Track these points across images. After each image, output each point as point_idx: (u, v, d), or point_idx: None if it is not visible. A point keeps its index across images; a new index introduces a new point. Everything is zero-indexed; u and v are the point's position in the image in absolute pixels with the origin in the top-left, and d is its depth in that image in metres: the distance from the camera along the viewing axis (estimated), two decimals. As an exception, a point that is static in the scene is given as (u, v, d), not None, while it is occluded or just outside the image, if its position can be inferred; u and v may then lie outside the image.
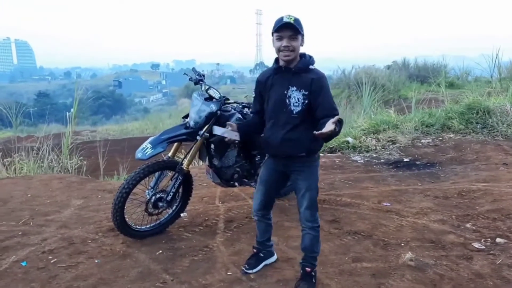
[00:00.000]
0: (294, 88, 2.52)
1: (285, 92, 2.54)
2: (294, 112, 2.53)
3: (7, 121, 9.06)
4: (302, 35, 2.50)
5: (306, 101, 2.51)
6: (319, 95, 2.49)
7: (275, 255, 3.11)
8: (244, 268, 2.95)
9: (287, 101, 2.53)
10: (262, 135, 2.76)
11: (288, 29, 2.44)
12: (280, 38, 2.47)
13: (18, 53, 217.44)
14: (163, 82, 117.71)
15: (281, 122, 2.58)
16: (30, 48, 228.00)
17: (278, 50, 2.51)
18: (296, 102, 2.52)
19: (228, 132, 2.74)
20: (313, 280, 2.76)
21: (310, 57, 2.60)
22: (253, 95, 2.82)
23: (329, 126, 2.22)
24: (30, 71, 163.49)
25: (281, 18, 2.46)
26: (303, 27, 2.48)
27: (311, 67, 2.56)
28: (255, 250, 3.05)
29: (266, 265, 3.02)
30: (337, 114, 2.40)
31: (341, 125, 2.35)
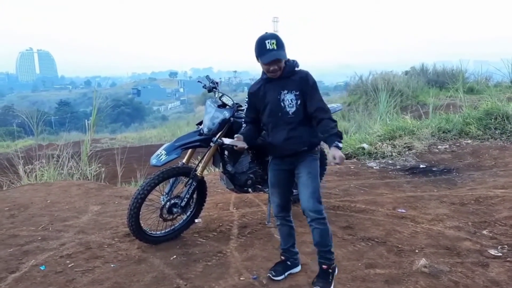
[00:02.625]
0: (286, 91, 2.70)
1: (278, 97, 2.71)
2: (290, 113, 2.71)
3: (29, 129, 9.29)
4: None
5: (299, 101, 2.70)
6: (309, 91, 2.70)
7: (300, 266, 3.09)
8: (270, 275, 2.95)
9: (282, 104, 2.71)
10: (264, 138, 2.96)
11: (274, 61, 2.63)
12: (266, 64, 2.65)
13: (40, 63, 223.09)
14: (181, 90, 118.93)
15: (280, 124, 2.75)
16: (52, 58, 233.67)
17: (267, 71, 2.71)
18: (290, 104, 2.70)
19: (237, 142, 2.87)
20: (330, 278, 2.77)
21: (294, 60, 2.77)
22: (246, 106, 3.01)
23: (336, 154, 2.50)
24: (52, 81, 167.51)
25: (264, 44, 2.59)
26: (284, 46, 2.64)
27: (296, 69, 2.75)
28: (283, 258, 3.05)
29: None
30: (323, 107, 2.68)
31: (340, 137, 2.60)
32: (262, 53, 2.62)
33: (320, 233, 2.75)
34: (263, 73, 2.80)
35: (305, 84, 2.70)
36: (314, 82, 2.73)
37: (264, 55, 2.61)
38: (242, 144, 2.83)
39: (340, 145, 2.56)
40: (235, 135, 2.94)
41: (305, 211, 2.75)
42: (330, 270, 2.79)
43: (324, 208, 2.76)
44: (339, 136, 2.58)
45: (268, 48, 2.59)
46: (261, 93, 2.81)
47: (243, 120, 3.72)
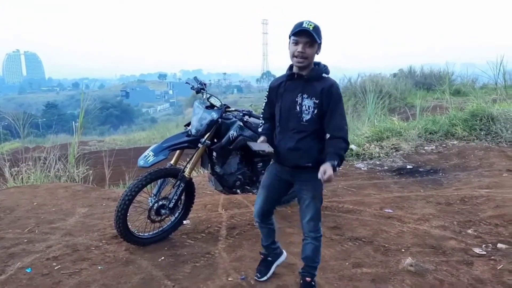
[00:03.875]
0: (306, 96, 2.50)
1: (296, 99, 2.52)
2: (304, 120, 2.51)
3: (15, 132, 9.18)
4: (319, 44, 2.47)
5: (316, 110, 2.49)
6: (330, 105, 2.49)
7: (284, 253, 3.08)
8: (256, 277, 2.95)
9: (298, 108, 2.51)
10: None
11: (305, 35, 2.41)
12: (296, 43, 2.44)
13: (27, 65, 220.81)
14: (170, 92, 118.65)
15: (290, 129, 2.55)
16: (39, 59, 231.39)
17: (293, 55, 2.48)
18: (307, 110, 2.50)
19: (263, 145, 2.60)
20: None
21: (325, 66, 2.58)
22: (265, 101, 2.76)
23: (328, 171, 2.33)
24: (39, 82, 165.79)
25: (301, 23, 2.42)
26: (321, 36, 2.46)
27: (324, 75, 2.53)
28: (262, 256, 3.05)
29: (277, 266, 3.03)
30: (340, 124, 2.48)
31: (340, 159, 2.42)
32: (294, 28, 2.42)
33: (313, 249, 2.72)
34: (288, 68, 2.60)
35: (327, 97, 2.47)
36: (339, 96, 2.51)
37: (296, 29, 2.41)
38: (269, 149, 2.55)
39: (337, 167, 2.39)
40: (261, 138, 2.70)
41: (304, 230, 2.71)
42: (313, 283, 2.79)
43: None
44: (341, 158, 2.43)
45: (303, 26, 2.39)
46: (280, 90, 2.61)
47: (231, 120, 3.75)
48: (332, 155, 2.41)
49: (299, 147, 2.53)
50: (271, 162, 2.85)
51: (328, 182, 2.38)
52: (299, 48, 2.42)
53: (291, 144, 2.53)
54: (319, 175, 2.37)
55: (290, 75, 2.58)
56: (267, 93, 2.75)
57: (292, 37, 2.45)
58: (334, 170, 2.37)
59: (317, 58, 2.54)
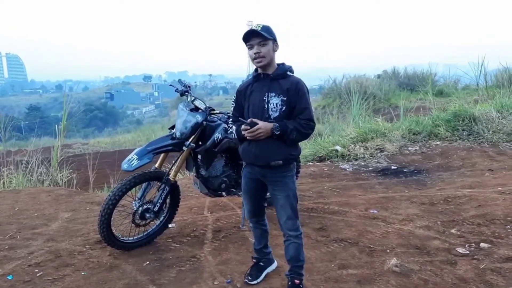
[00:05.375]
0: (273, 94, 2.56)
1: (264, 98, 2.58)
2: (272, 117, 2.55)
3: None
4: (273, 40, 2.56)
5: (284, 107, 2.55)
6: (297, 102, 2.55)
7: (276, 262, 3.12)
8: (247, 280, 2.94)
9: (266, 106, 2.57)
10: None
11: (255, 36, 2.52)
12: (251, 47, 2.55)
13: (9, 66, 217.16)
14: (156, 93, 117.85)
15: None
16: (21, 61, 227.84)
17: (252, 59, 2.57)
18: (274, 108, 2.55)
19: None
20: None
21: (289, 66, 2.67)
22: (233, 105, 2.80)
23: (263, 126, 2.47)
24: (21, 85, 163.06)
25: (250, 29, 2.54)
26: (273, 33, 2.56)
27: (289, 73, 2.62)
28: (254, 260, 3.05)
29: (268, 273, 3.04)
30: (308, 117, 2.56)
31: (283, 132, 2.49)
32: (243, 36, 2.54)
33: (296, 247, 2.73)
34: (254, 71, 2.69)
35: (294, 95, 2.54)
36: (305, 92, 2.57)
37: (244, 35, 2.53)
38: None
39: (276, 132, 2.48)
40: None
41: (284, 230, 2.73)
42: (301, 285, 2.78)
43: (298, 211, 2.76)
44: (284, 129, 2.49)
45: (249, 29, 2.52)
46: (248, 92, 2.66)
47: (216, 123, 3.73)
48: (283, 123, 2.51)
49: (268, 145, 2.55)
50: (243, 166, 2.85)
51: (254, 133, 2.48)
52: (254, 49, 2.53)
53: (261, 143, 2.55)
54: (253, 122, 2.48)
55: (257, 76, 2.66)
56: (234, 97, 2.81)
57: (247, 45, 2.58)
58: (272, 132, 2.48)
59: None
